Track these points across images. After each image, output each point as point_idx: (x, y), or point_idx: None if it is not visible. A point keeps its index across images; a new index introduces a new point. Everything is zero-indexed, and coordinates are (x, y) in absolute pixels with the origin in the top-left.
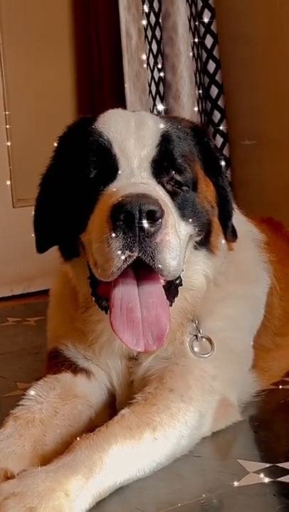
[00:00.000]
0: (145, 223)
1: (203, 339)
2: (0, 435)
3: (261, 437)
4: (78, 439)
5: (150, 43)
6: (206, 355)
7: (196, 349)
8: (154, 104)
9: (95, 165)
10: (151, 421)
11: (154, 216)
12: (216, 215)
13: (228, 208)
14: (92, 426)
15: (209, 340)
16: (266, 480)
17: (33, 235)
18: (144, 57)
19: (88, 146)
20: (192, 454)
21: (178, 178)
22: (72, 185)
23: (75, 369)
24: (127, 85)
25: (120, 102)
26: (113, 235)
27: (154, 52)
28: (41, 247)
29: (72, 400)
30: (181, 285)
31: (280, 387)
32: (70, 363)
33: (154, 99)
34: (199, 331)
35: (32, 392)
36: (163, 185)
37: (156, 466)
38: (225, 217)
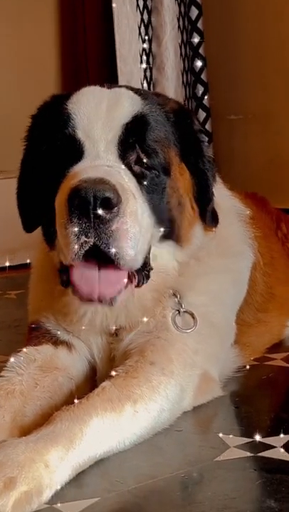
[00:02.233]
0: (100, 210)
1: (186, 314)
2: None
3: (242, 412)
4: (59, 411)
5: (142, 13)
6: (188, 330)
7: (178, 324)
8: (145, 76)
9: (61, 149)
10: (132, 394)
11: (109, 203)
12: (188, 210)
13: (208, 193)
14: (72, 398)
15: (192, 314)
16: (246, 454)
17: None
18: (136, 26)
19: (56, 128)
20: (173, 427)
21: (146, 159)
22: (43, 167)
23: (55, 341)
24: (118, 57)
25: (108, 72)
26: (69, 219)
27: (145, 22)
28: (27, 226)
29: (52, 372)
30: (149, 277)
31: (267, 363)
32: (51, 335)
33: (145, 71)
34: (181, 306)
35: (12, 364)
36: (130, 167)
37: (137, 439)
38: (204, 203)
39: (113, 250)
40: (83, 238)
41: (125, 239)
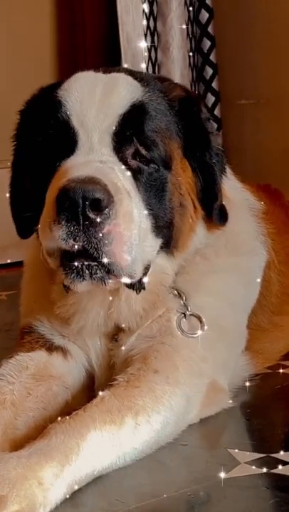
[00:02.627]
0: (90, 212)
1: (192, 317)
2: None
3: (254, 425)
4: (53, 423)
5: None
6: (195, 335)
7: (184, 328)
8: (150, 58)
9: (53, 139)
10: (133, 405)
11: (99, 205)
12: (190, 213)
13: (215, 189)
14: (68, 409)
15: (198, 318)
16: (258, 471)
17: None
18: (140, 4)
19: (47, 118)
20: (178, 441)
21: (144, 153)
22: (35, 162)
23: (50, 347)
24: (121, 33)
25: (108, 53)
26: (56, 221)
27: None
28: (22, 232)
29: (46, 380)
30: (144, 289)
31: (281, 371)
32: (45, 340)
33: (149, 51)
34: (187, 309)
35: (2, 372)
36: (125, 161)
37: (139, 454)
38: (210, 200)
39: (103, 256)
40: (71, 242)
41: (119, 243)
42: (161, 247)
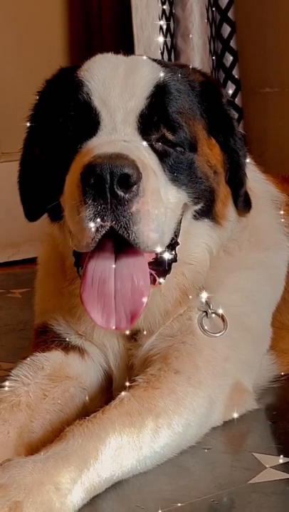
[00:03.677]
0: (118, 189)
1: (214, 315)
2: None
3: (280, 428)
4: (71, 425)
5: None
6: (217, 334)
7: (206, 327)
8: (165, 43)
9: (74, 120)
10: (154, 407)
11: (128, 181)
12: (223, 182)
13: (240, 174)
14: (85, 411)
15: (221, 316)
16: (285, 476)
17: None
18: None
19: (67, 98)
20: (200, 445)
21: (170, 136)
22: (52, 145)
23: (66, 347)
24: (134, 21)
25: (122, 39)
26: (83, 201)
27: None
28: (30, 214)
29: (63, 381)
30: (175, 261)
31: None
32: (61, 339)
33: (166, 36)
34: (209, 307)
35: (17, 373)
36: (151, 144)
37: (160, 458)
38: (236, 185)
39: (132, 234)
40: (99, 222)
41: (147, 221)
42: (205, 214)
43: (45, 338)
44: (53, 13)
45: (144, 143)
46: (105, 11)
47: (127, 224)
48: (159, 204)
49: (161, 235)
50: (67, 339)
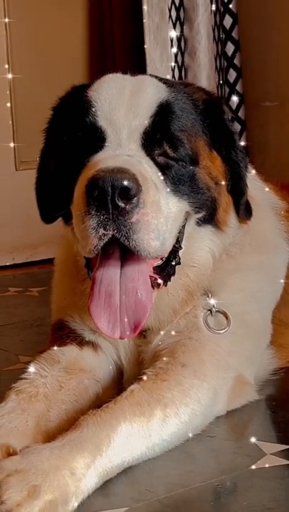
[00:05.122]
0: (119, 201)
1: (218, 313)
2: (1, 410)
3: (279, 417)
4: (85, 415)
5: None
6: (221, 331)
7: (210, 324)
8: (176, 61)
9: (82, 138)
10: (162, 397)
11: (128, 193)
12: (224, 192)
13: (241, 184)
14: (98, 402)
15: (225, 314)
16: (284, 462)
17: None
18: (166, 9)
19: (77, 117)
20: (205, 433)
21: (171, 153)
22: (64, 157)
23: (81, 342)
24: (146, 39)
25: (136, 58)
26: (87, 211)
27: (177, 4)
28: (45, 217)
29: (78, 374)
30: (179, 264)
31: None
32: (76, 335)
33: (176, 55)
34: (213, 306)
35: (35, 366)
36: (153, 158)
37: (167, 445)
38: (237, 194)
39: (133, 243)
40: (102, 231)
41: (147, 231)
42: (207, 221)
43: (61, 334)
44: (74, 33)
45: (147, 157)
46: (117, 32)
47: (127, 233)
48: (159, 214)
49: (162, 242)
50: (81, 335)
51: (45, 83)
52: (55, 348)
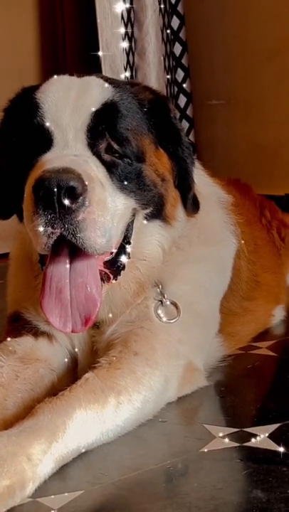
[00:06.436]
0: (65, 200)
1: (169, 304)
2: None
3: (227, 402)
4: (41, 403)
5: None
6: (172, 321)
7: (161, 314)
8: (128, 62)
9: (31, 138)
10: (115, 385)
11: (74, 193)
12: (172, 187)
13: (188, 179)
14: (54, 390)
15: (175, 304)
16: (232, 445)
17: None
18: (119, 11)
19: (25, 118)
20: (157, 418)
21: (116, 147)
22: (14, 158)
23: (36, 332)
24: (100, 41)
25: (87, 60)
26: (35, 211)
27: (127, 6)
28: (1, 213)
29: (33, 363)
30: (129, 258)
31: (252, 352)
32: (31, 326)
33: (128, 55)
34: (164, 296)
35: None
36: (99, 156)
37: (121, 430)
38: (184, 190)
39: (80, 240)
40: (50, 229)
41: (93, 229)
42: (155, 216)
43: (17, 325)
44: (25, 39)
45: (93, 156)
46: (69, 35)
47: (74, 231)
48: (105, 212)
49: (108, 239)
50: (36, 326)
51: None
52: (11, 338)
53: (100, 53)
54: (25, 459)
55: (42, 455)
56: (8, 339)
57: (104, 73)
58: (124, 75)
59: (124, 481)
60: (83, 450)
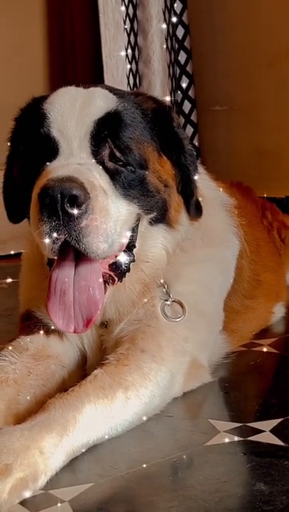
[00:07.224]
0: (68, 208)
1: (174, 303)
2: None
3: (231, 398)
4: (52, 398)
5: (127, 7)
6: (177, 319)
7: (167, 313)
8: (131, 69)
9: (38, 146)
10: (123, 381)
11: (77, 201)
12: (175, 193)
13: (191, 186)
14: (64, 386)
15: (180, 303)
16: (236, 439)
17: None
18: (121, 20)
19: (33, 128)
20: (164, 413)
21: (119, 155)
22: (24, 165)
23: (47, 330)
24: (103, 51)
25: (95, 68)
26: (40, 218)
27: (131, 16)
28: (12, 218)
29: (45, 360)
30: (134, 261)
31: (254, 348)
32: (43, 324)
33: (131, 63)
34: (169, 296)
35: (5, 353)
36: (103, 164)
37: (129, 425)
38: (187, 195)
39: (83, 246)
40: (54, 235)
41: (96, 235)
42: (159, 221)
43: (29, 323)
44: (35, 48)
45: (97, 165)
46: (79, 42)
47: (77, 237)
48: (108, 219)
49: (110, 244)
50: (48, 324)
51: (10, 87)
52: (24, 336)
53: (104, 63)
54: (37, 452)
55: (53, 448)
56: (21, 337)
57: (106, 81)
58: (127, 82)
59: (133, 474)
60: (93, 444)
